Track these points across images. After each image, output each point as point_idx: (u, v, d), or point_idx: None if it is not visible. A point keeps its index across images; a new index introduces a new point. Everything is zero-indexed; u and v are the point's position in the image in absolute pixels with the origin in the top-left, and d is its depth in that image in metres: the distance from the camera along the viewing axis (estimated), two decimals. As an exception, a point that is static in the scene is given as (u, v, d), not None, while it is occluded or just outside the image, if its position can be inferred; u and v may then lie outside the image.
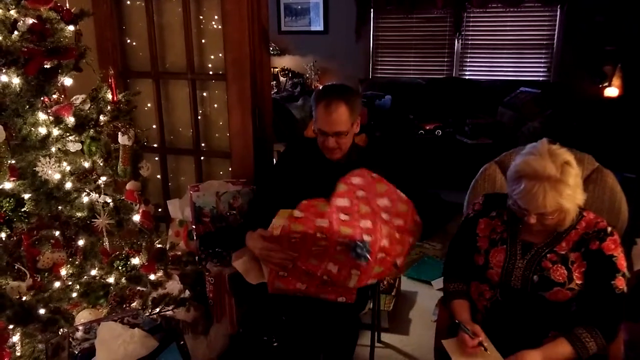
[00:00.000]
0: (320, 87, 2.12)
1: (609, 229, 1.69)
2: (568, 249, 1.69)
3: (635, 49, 4.99)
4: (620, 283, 1.63)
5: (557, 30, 5.65)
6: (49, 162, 1.87)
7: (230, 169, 2.82)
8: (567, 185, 1.59)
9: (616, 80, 5.23)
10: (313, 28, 6.53)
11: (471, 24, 5.96)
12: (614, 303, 1.63)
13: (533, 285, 1.70)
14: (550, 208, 1.61)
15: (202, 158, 2.92)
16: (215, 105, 2.85)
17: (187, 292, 2.27)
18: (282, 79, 6.61)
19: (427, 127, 5.40)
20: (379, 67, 6.50)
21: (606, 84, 5.27)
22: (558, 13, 5.61)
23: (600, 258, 1.65)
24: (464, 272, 1.90)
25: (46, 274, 1.95)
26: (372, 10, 6.22)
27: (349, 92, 2.10)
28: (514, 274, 1.73)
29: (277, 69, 6.58)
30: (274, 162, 3.01)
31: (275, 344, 1.93)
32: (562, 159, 1.61)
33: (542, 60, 5.82)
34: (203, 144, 2.91)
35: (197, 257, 2.40)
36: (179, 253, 2.40)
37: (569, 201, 1.60)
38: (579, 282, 1.66)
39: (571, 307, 1.71)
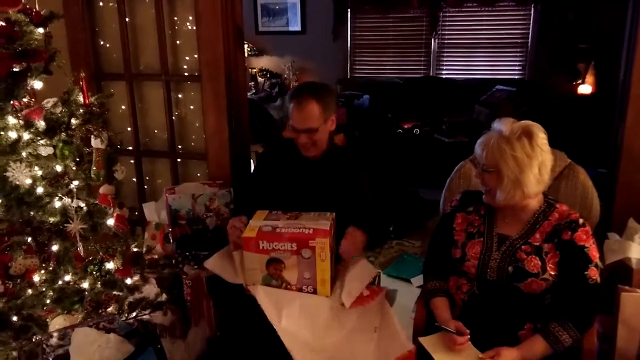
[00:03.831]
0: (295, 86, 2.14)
1: (581, 220, 1.72)
2: (542, 240, 1.73)
3: (608, 47, 5.08)
4: (593, 273, 1.67)
5: (531, 29, 5.74)
6: (20, 166, 1.84)
7: (207, 170, 2.80)
8: (512, 148, 1.64)
9: (589, 78, 5.32)
10: (291, 28, 6.53)
11: (447, 23, 6.02)
12: (587, 293, 1.67)
13: (508, 276, 1.73)
14: (487, 162, 1.68)
15: (178, 160, 2.89)
16: (191, 107, 2.83)
17: (164, 296, 2.25)
18: (260, 79, 6.59)
19: (406, 126, 5.43)
20: (357, 66, 6.52)
21: (580, 81, 5.37)
22: (532, 12, 5.69)
23: (572, 248, 1.69)
24: (443, 268, 1.92)
25: (18, 280, 1.91)
26: (349, 10, 6.24)
27: (321, 89, 2.11)
28: (489, 266, 1.76)
29: (255, 70, 6.56)
30: (252, 163, 3.00)
31: (253, 347, 1.92)
32: (523, 129, 1.66)
33: (517, 59, 5.90)
34: (179, 146, 2.89)
35: (174, 260, 2.38)
36: (156, 256, 2.37)
37: (507, 167, 1.64)
38: (552, 272, 1.69)
39: (545, 300, 1.75)
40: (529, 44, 5.78)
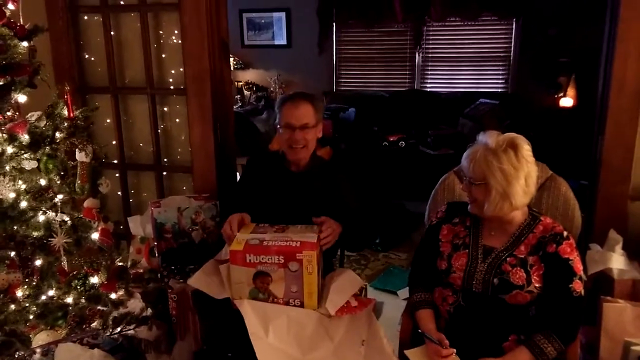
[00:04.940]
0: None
1: (565, 233, 1.74)
2: (527, 253, 1.74)
3: (588, 60, 5.17)
4: (578, 286, 1.69)
5: (513, 43, 5.84)
6: (3, 180, 1.83)
7: (192, 183, 2.79)
8: (498, 161, 1.66)
9: (570, 91, 5.41)
10: (276, 42, 6.57)
11: (431, 37, 6.10)
12: (571, 306, 1.68)
13: (493, 288, 1.74)
14: (475, 174, 1.70)
15: (163, 173, 2.89)
16: (177, 120, 2.83)
17: (149, 310, 2.23)
18: (246, 92, 6.61)
19: (391, 139, 5.47)
20: (343, 80, 6.57)
21: (561, 94, 5.45)
22: (514, 26, 5.79)
23: (557, 261, 1.70)
24: (428, 280, 1.93)
25: (1, 295, 1.89)
26: (334, 24, 6.29)
27: (313, 95, 2.20)
28: (475, 278, 1.77)
29: (241, 83, 6.58)
30: (238, 176, 3.00)
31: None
32: (508, 142, 1.68)
33: (500, 72, 5.99)
34: (165, 159, 2.88)
35: (159, 274, 2.37)
36: (141, 270, 2.36)
37: (495, 179, 1.66)
38: (537, 285, 1.71)
39: (530, 311, 1.76)
40: (512, 58, 5.87)
